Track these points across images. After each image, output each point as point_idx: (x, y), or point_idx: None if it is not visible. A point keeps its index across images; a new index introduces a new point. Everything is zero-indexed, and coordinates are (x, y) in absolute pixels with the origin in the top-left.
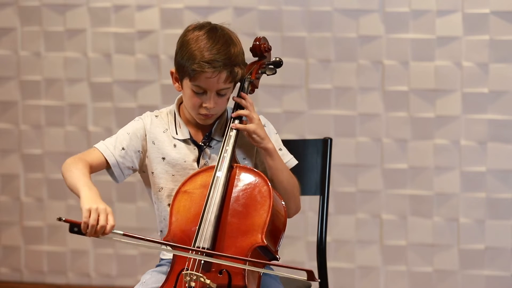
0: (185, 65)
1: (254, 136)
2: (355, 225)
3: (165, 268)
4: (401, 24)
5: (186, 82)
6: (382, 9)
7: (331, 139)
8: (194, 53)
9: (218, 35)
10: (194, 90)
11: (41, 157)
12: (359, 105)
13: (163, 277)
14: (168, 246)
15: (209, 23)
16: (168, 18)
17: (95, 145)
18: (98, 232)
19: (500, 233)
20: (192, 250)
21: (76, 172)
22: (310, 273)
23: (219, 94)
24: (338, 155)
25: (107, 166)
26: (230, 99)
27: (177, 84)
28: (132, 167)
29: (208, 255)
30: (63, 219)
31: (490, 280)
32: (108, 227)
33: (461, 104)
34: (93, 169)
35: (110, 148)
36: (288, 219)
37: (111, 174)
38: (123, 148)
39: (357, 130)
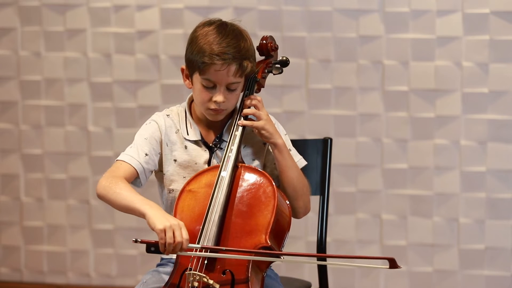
0: (195, 60)
1: (263, 132)
2: (355, 225)
3: (166, 268)
4: (401, 24)
5: (196, 77)
6: (382, 9)
7: (331, 139)
8: (204, 47)
9: (228, 30)
10: (203, 84)
11: (41, 157)
12: (359, 105)
13: (164, 277)
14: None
15: (220, 20)
16: (168, 18)
17: (119, 158)
18: (176, 249)
19: (500, 233)
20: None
21: (124, 193)
22: (392, 261)
23: (229, 88)
24: (338, 155)
25: (137, 176)
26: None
27: (187, 81)
28: (154, 170)
29: (213, 251)
30: (139, 240)
31: (490, 280)
32: (184, 241)
33: (461, 104)
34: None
35: (135, 157)
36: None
37: (136, 181)
38: (146, 154)
39: (357, 130)
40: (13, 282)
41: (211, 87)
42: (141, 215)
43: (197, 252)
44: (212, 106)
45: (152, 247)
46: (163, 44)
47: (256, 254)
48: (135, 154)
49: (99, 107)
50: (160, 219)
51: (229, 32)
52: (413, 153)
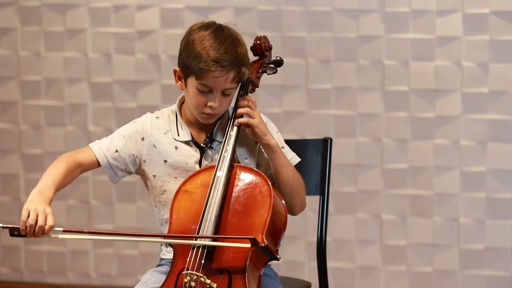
0: (191, 64)
1: (257, 130)
2: (355, 225)
3: (166, 268)
4: (401, 24)
5: (192, 81)
6: (382, 9)
7: (331, 139)
8: (200, 53)
9: (225, 35)
10: (199, 88)
11: (41, 157)
12: (359, 105)
13: (164, 277)
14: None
15: (214, 23)
16: (168, 18)
17: (90, 144)
18: (37, 232)
19: (500, 233)
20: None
21: (49, 172)
22: (253, 240)
23: (224, 93)
24: (338, 155)
25: (98, 165)
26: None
27: (180, 82)
28: (126, 169)
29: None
30: (2, 225)
31: (490, 280)
32: (47, 227)
33: (461, 104)
34: (83, 168)
35: (103, 149)
36: (288, 218)
37: (105, 173)
38: (116, 151)
39: (357, 130)
40: (13, 282)
41: (206, 91)
42: None
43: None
44: (207, 110)
45: (15, 231)
46: (163, 44)
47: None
48: (105, 147)
49: (99, 107)
50: (30, 202)
51: (226, 38)
52: (413, 153)
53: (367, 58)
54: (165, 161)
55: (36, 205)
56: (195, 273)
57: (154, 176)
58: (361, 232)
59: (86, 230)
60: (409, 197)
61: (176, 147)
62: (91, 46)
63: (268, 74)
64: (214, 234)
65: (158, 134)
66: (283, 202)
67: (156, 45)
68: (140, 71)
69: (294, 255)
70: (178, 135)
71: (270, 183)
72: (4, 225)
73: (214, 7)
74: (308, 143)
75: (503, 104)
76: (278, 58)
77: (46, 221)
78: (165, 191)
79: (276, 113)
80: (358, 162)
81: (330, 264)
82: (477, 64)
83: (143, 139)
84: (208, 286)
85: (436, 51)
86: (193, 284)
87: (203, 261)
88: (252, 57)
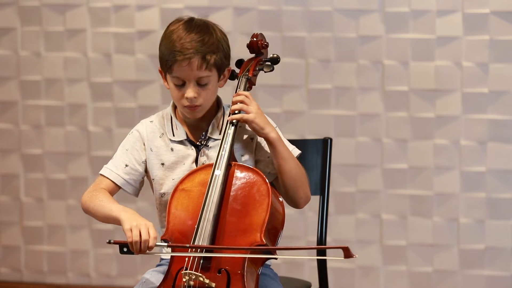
0: (163, 60)
1: (254, 125)
2: (355, 225)
3: (165, 268)
4: (401, 24)
5: (168, 77)
6: (382, 9)
7: (331, 139)
8: (168, 45)
9: (193, 25)
10: (175, 82)
11: (41, 157)
12: (359, 105)
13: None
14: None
15: (189, 17)
16: (168, 18)
17: (100, 172)
18: (143, 246)
19: (500, 233)
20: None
21: (102, 204)
22: (346, 250)
23: (199, 84)
24: (338, 155)
25: (118, 187)
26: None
27: (166, 82)
28: (142, 177)
29: (208, 251)
30: (112, 241)
31: (490, 280)
32: (151, 239)
33: (461, 104)
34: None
35: (113, 169)
36: (288, 218)
37: (126, 191)
38: (126, 165)
39: (357, 130)
40: (13, 282)
41: (181, 84)
42: (118, 221)
43: (187, 253)
44: (186, 103)
45: (124, 248)
46: None
47: (234, 251)
48: (114, 167)
49: (99, 107)
50: (129, 220)
51: (194, 28)
52: (413, 153)
53: (367, 58)
54: (162, 164)
55: (136, 221)
56: (194, 272)
57: (153, 179)
58: (361, 232)
59: (188, 245)
60: (409, 197)
61: (172, 149)
62: (91, 46)
63: (265, 71)
64: (212, 233)
65: (154, 137)
66: (281, 199)
67: (156, 45)
68: (140, 71)
69: (294, 255)
70: (174, 135)
71: (268, 181)
72: (114, 241)
73: (214, 7)
74: (308, 143)
75: (503, 104)
76: (275, 55)
77: (149, 234)
78: (164, 193)
79: (276, 113)
80: (358, 162)
81: (330, 264)
82: (477, 64)
83: (144, 144)
84: (207, 285)
85: (436, 51)
86: (191, 283)
87: (201, 261)
88: (249, 55)
